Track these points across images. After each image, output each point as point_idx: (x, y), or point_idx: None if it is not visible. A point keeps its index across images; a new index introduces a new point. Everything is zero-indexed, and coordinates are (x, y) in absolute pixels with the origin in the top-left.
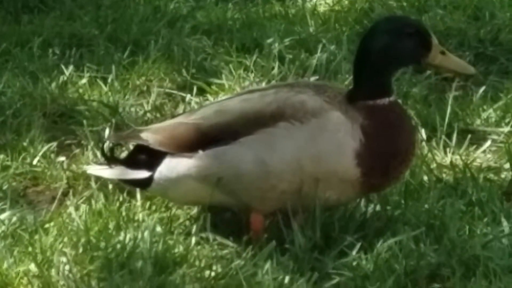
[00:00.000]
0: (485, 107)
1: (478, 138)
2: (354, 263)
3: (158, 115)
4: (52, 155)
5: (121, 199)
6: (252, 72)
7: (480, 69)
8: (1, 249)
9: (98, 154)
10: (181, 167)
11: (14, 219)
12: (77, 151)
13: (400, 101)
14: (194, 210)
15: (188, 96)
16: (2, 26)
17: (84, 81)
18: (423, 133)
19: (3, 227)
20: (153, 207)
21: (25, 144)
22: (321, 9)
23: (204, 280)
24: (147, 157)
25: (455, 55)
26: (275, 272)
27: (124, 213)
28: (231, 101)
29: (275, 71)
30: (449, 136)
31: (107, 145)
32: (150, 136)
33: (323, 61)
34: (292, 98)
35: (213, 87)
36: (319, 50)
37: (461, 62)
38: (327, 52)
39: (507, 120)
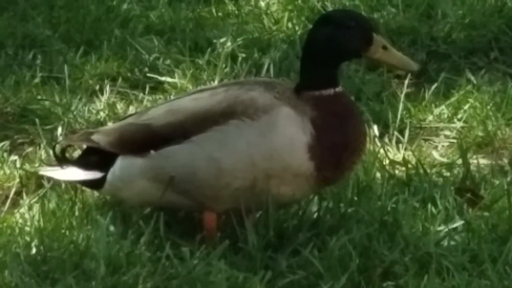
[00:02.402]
0: (437, 103)
1: (431, 134)
2: (308, 262)
3: (111, 113)
4: (5, 154)
5: (74, 198)
6: (205, 71)
7: (432, 67)
8: None
9: (51, 153)
10: (133, 168)
11: None
12: (29, 150)
13: (352, 97)
14: (147, 210)
15: (140, 95)
16: None
17: (37, 80)
18: (375, 129)
19: None
20: (106, 207)
21: None
22: (274, 8)
23: (157, 279)
24: (99, 158)
25: (406, 53)
26: (229, 271)
27: (77, 213)
28: (181, 101)
29: (228, 70)
30: (401, 132)
31: (59, 146)
32: (101, 138)
33: (276, 60)
34: (242, 95)
35: (166, 85)
36: (272, 49)
37: (403, 58)
38: (280, 51)
39: (459, 116)
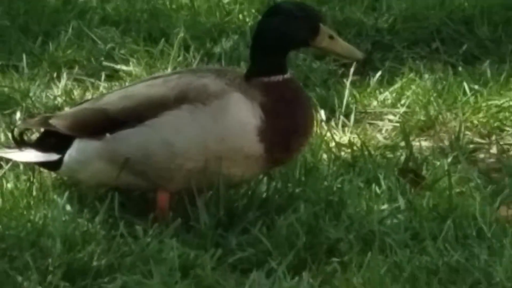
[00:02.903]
0: (381, 90)
1: (375, 119)
2: (257, 239)
3: (67, 99)
4: None
5: (32, 179)
6: (158, 60)
7: (377, 56)
8: None
9: (9, 137)
10: (89, 150)
11: None
12: None
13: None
14: (103, 190)
15: (97, 82)
16: None
17: None
18: (322, 114)
19: None
20: (63, 187)
21: None
22: (226, 0)
23: (111, 257)
24: (57, 140)
25: (352, 43)
26: (181, 248)
27: (34, 193)
28: (136, 87)
29: (181, 59)
30: (347, 117)
31: (17, 129)
32: (58, 122)
33: (227, 49)
34: (194, 82)
35: (121, 73)
36: (223, 39)
37: (349, 47)
38: (230, 41)
39: (402, 102)
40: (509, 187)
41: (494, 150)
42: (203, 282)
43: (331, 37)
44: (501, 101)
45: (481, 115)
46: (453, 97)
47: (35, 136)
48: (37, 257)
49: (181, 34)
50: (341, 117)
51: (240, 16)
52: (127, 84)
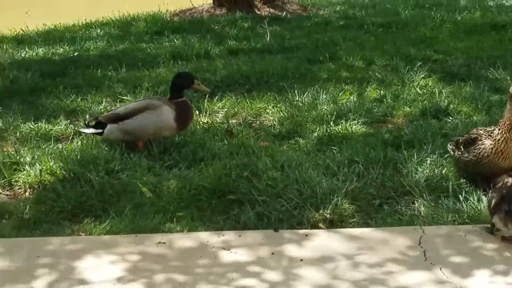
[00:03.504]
0: (217, 103)
1: (216, 113)
2: (175, 158)
3: (105, 110)
4: (67, 124)
5: (92, 138)
6: (137, 94)
7: (216, 91)
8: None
9: (83, 124)
10: (113, 128)
11: (48, 149)
12: (76, 122)
13: (189, 100)
14: (118, 142)
15: (115, 103)
16: None
17: (79, 99)
18: (197, 112)
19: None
20: (104, 142)
21: (58, 120)
22: (162, 72)
23: (122, 166)
24: (102, 125)
25: (207, 86)
26: (147, 161)
27: (94, 143)
28: (130, 104)
29: (145, 94)
30: (206, 113)
31: (87, 122)
32: (102, 118)
33: (162, 91)
34: (150, 102)
35: (125, 100)
36: (161, 86)
37: (205, 88)
38: (163, 87)
39: (225, 107)
40: (263, 135)
41: (258, 122)
42: (154, 173)
43: (198, 84)
44: (261, 106)
45: (253, 111)
46: (244, 106)
47: (93, 123)
48: (95, 166)
49: (146, 85)
50: (204, 113)
51: (167, 78)
52: (127, 103)
